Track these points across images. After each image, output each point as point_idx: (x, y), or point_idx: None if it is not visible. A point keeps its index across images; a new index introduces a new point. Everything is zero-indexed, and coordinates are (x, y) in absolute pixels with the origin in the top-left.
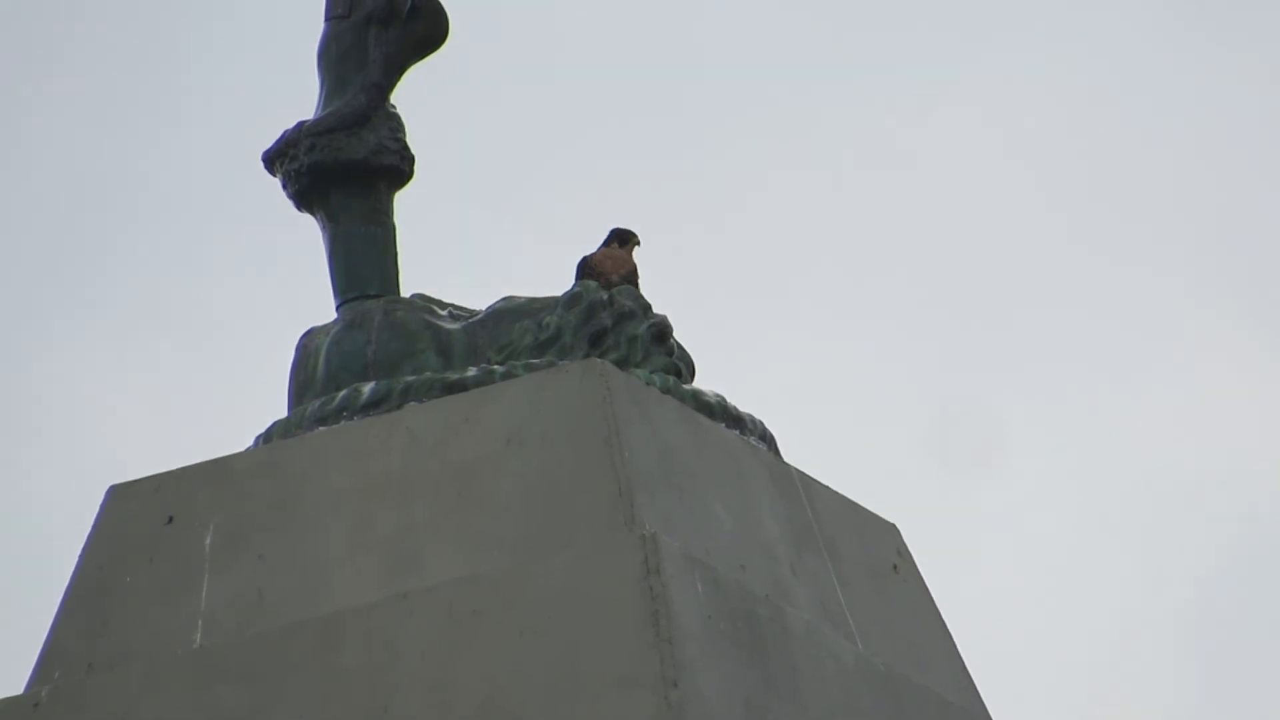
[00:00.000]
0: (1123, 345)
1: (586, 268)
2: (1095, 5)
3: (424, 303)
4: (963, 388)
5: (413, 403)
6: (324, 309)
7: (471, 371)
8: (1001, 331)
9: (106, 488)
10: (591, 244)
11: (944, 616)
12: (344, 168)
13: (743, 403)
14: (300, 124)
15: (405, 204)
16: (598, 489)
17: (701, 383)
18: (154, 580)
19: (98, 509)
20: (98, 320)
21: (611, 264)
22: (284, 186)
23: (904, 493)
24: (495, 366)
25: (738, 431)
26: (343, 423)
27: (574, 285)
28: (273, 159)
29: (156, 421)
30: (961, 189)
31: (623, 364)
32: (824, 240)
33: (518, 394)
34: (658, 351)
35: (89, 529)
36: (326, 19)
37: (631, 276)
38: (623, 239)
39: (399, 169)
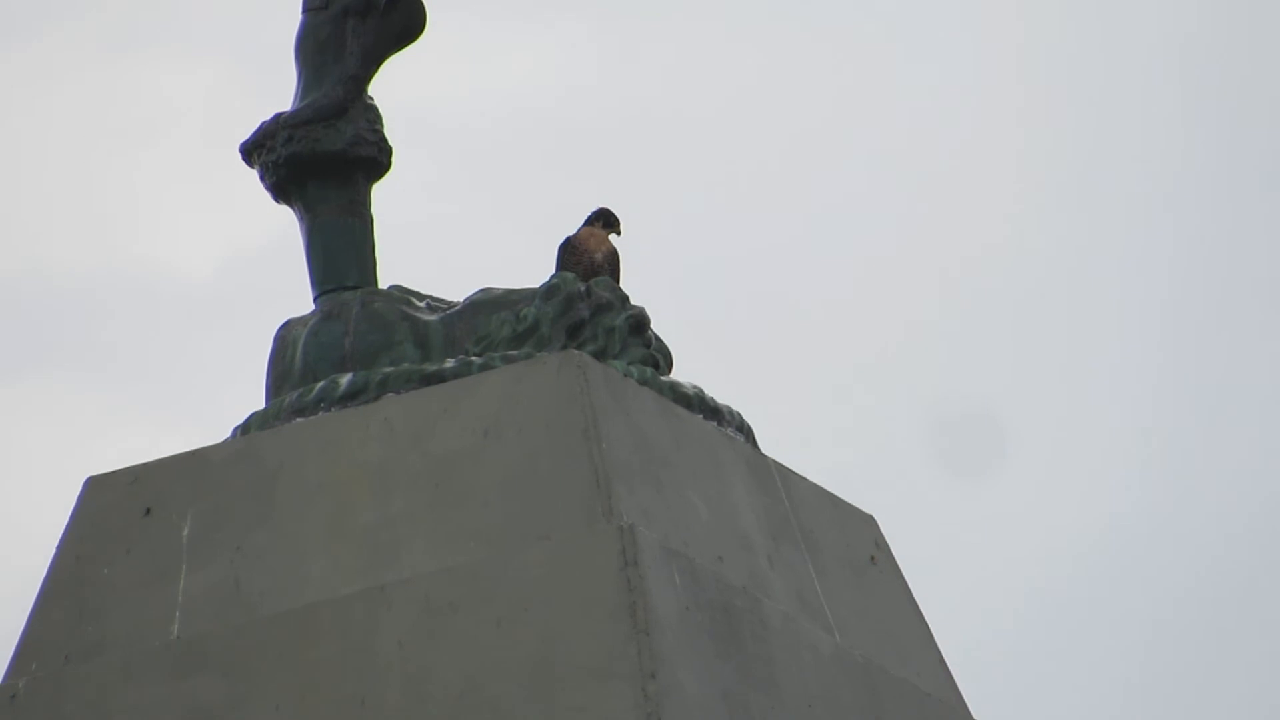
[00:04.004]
0: (1124, 345)
1: (569, 247)
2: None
3: (401, 294)
4: (963, 389)
5: (390, 394)
6: (302, 299)
7: (449, 363)
8: (1003, 332)
9: (84, 479)
10: (569, 232)
11: (922, 608)
12: (321, 159)
13: (747, 404)
14: (278, 116)
15: (383, 195)
16: (575, 481)
17: (706, 380)
18: (131, 571)
19: (75, 500)
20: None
21: (594, 241)
22: (262, 178)
23: (903, 493)
24: (473, 358)
25: (715, 423)
26: (320, 414)
27: (552, 277)
28: (250, 150)
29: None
30: (962, 183)
31: (600, 355)
32: (822, 238)
33: (495, 386)
34: (635, 343)
35: (66, 520)
36: (304, 11)
37: (613, 258)
38: (606, 220)
39: (376, 160)
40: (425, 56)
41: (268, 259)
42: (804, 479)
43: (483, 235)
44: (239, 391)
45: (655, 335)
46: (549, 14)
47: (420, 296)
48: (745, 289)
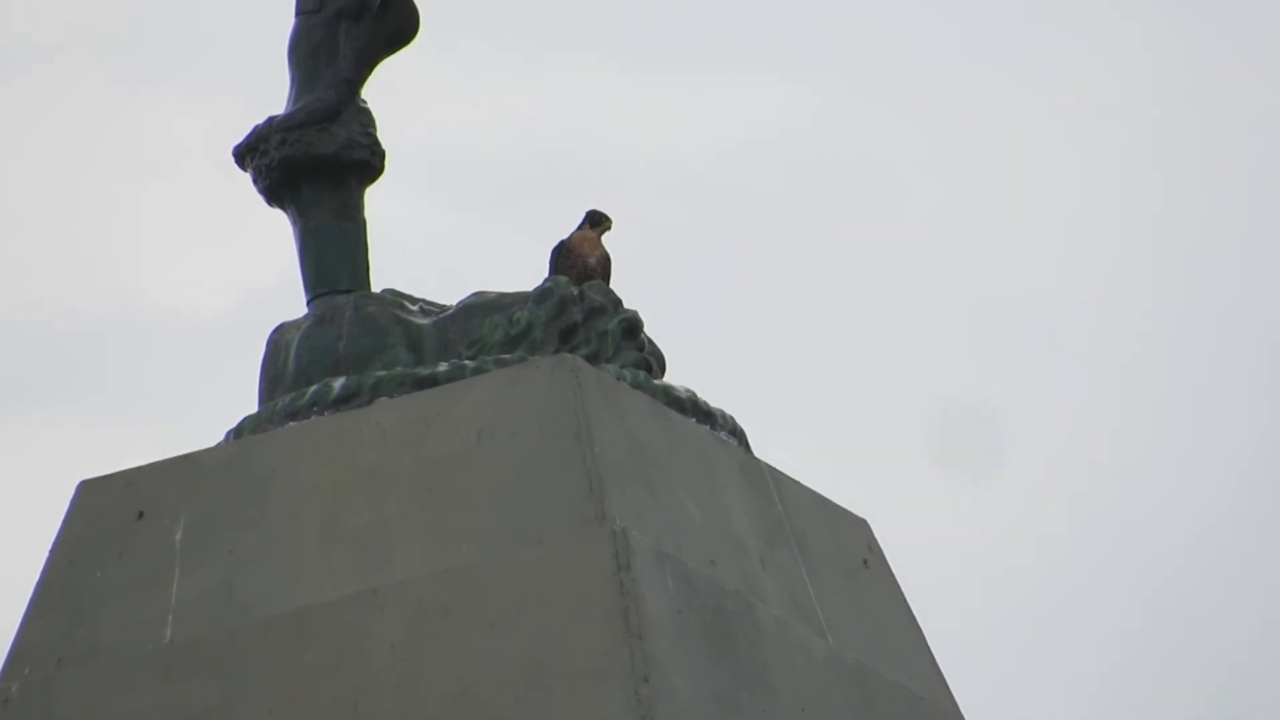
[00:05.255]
0: (1123, 344)
1: (563, 250)
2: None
3: (395, 298)
4: (963, 389)
5: (383, 398)
6: (295, 305)
7: (442, 367)
8: (1003, 332)
9: (76, 483)
10: (561, 236)
11: (916, 612)
12: (314, 163)
13: (740, 408)
14: (271, 119)
15: (376, 198)
16: (568, 484)
17: (701, 382)
18: (124, 575)
19: (67, 504)
20: None
21: (588, 245)
22: (254, 181)
23: (900, 496)
24: (466, 362)
25: (708, 427)
26: (313, 418)
27: (545, 280)
28: (243, 154)
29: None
30: (961, 184)
31: (593, 359)
32: (823, 237)
33: (488, 389)
34: (628, 346)
35: (59, 524)
36: (297, 14)
37: (606, 262)
38: (595, 220)
39: (369, 164)
40: (444, 87)
41: (278, 297)
42: (797, 482)
43: (492, 264)
44: None
45: (648, 339)
46: (564, 48)
47: (413, 300)
48: (740, 292)
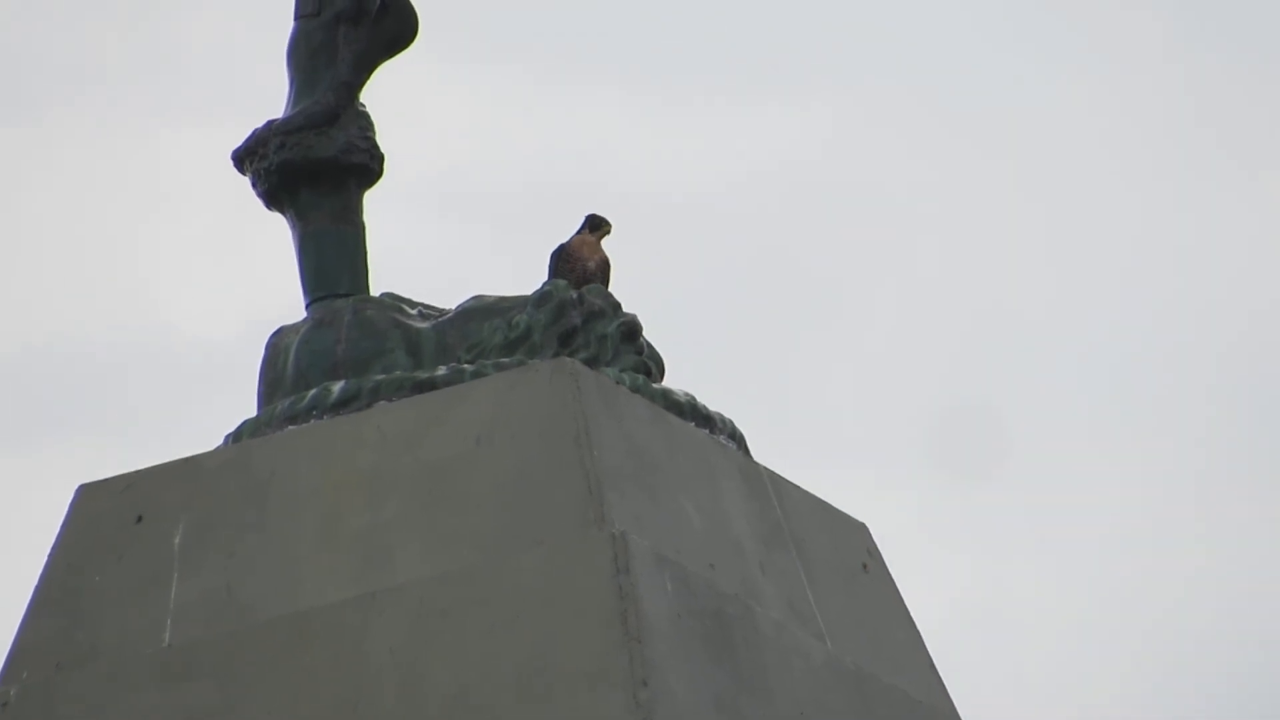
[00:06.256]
0: (1125, 346)
1: (563, 254)
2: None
3: (393, 301)
4: (965, 390)
5: (382, 401)
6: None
7: (441, 370)
8: (1004, 332)
9: (76, 486)
10: (559, 242)
11: (913, 616)
12: (313, 166)
13: (739, 412)
14: (270, 122)
15: (374, 203)
16: (567, 488)
17: (703, 385)
18: (123, 579)
19: (66, 508)
20: None
21: (588, 249)
22: (253, 185)
23: (904, 496)
24: (465, 365)
25: (707, 430)
26: (312, 421)
27: (544, 284)
28: (242, 157)
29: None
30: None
31: (592, 363)
32: (827, 253)
33: (487, 393)
34: (627, 350)
35: (58, 528)
36: (296, 18)
37: (605, 266)
38: (594, 224)
39: (368, 168)
40: (456, 112)
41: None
42: (796, 486)
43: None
44: None
45: (647, 342)
46: (576, 75)
47: (412, 304)
48: (743, 303)
